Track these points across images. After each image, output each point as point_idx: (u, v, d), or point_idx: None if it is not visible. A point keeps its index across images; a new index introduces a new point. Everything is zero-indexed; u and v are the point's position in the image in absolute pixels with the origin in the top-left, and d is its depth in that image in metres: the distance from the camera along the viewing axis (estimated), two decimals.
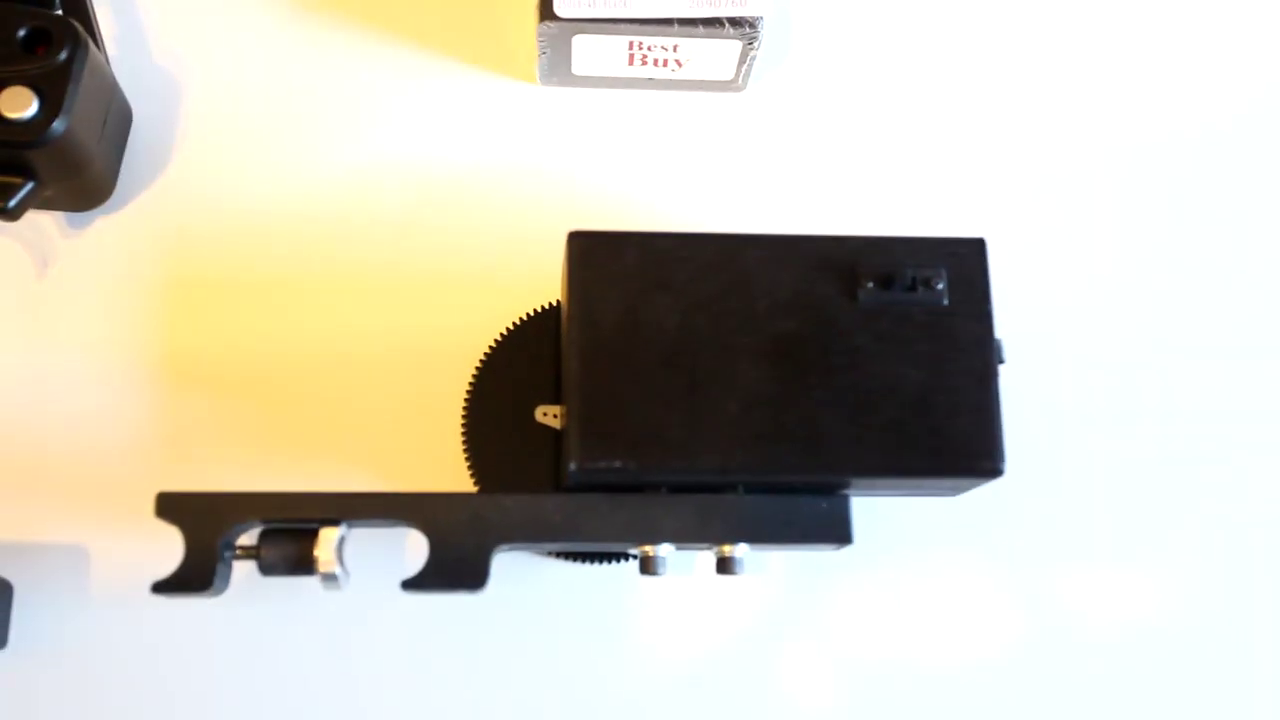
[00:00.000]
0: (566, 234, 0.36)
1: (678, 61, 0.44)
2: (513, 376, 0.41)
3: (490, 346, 0.41)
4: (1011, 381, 0.37)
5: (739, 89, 0.45)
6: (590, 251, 0.36)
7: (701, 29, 0.41)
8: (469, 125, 0.45)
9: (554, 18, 0.41)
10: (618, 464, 0.35)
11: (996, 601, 0.42)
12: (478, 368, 0.41)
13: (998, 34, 0.47)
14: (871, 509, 0.41)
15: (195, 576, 0.34)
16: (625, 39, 0.42)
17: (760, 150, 0.45)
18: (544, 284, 0.41)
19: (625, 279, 0.36)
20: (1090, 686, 0.41)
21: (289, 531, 0.35)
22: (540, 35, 0.42)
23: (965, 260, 0.37)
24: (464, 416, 0.41)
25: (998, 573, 0.42)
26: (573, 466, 0.35)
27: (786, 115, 0.46)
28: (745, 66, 0.44)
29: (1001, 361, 0.37)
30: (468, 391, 0.41)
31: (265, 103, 0.45)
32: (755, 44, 0.42)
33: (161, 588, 0.34)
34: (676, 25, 0.41)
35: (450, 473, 0.41)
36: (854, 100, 0.46)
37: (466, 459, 0.40)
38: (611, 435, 0.35)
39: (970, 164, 0.46)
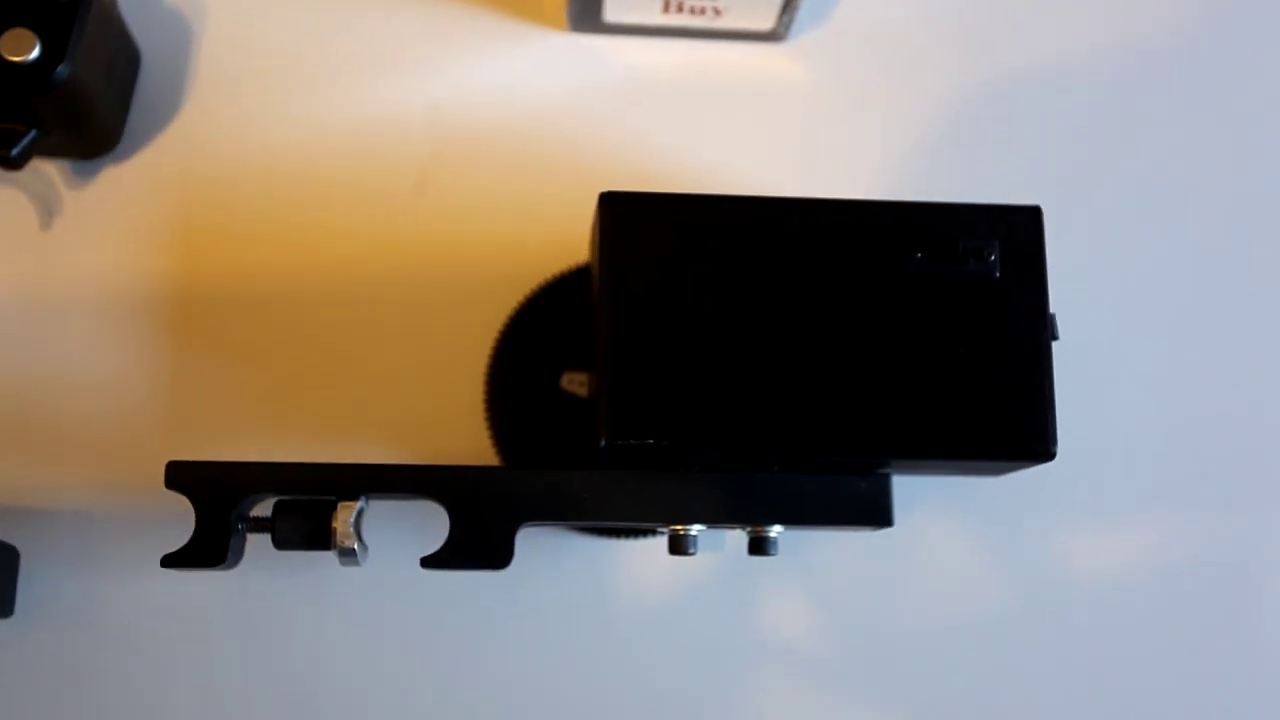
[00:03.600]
0: (598, 195, 0.34)
1: (715, 9, 0.41)
2: (539, 342, 0.39)
3: (515, 309, 0.39)
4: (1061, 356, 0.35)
5: (780, 39, 0.43)
6: (623, 215, 0.34)
7: None
8: (492, 73, 0.43)
9: None
10: (650, 441, 0.33)
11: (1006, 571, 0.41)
12: (502, 332, 0.39)
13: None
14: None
15: (207, 550, 0.33)
16: None
17: (800, 106, 0.43)
18: (572, 243, 0.39)
19: (659, 245, 0.34)
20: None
21: (305, 504, 0.33)
22: None
23: (1019, 230, 0.35)
24: (487, 383, 0.39)
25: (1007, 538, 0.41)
26: (603, 443, 0.33)
27: (829, 69, 0.43)
28: (788, 16, 0.41)
29: (1055, 338, 0.35)
30: (491, 357, 0.39)
31: (281, 46, 0.42)
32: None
33: (171, 561, 0.32)
34: None
35: (473, 441, 0.39)
36: (904, 55, 0.44)
37: (489, 427, 0.39)
38: (643, 410, 0.33)
39: (1028, 125, 0.43)
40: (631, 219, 0.34)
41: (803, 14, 0.42)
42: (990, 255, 0.34)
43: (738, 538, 0.36)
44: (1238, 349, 0.42)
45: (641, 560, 0.40)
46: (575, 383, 0.39)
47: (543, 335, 0.39)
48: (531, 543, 0.38)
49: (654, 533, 0.39)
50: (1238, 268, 0.43)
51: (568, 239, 0.40)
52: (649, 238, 0.34)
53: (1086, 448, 0.40)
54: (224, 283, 0.40)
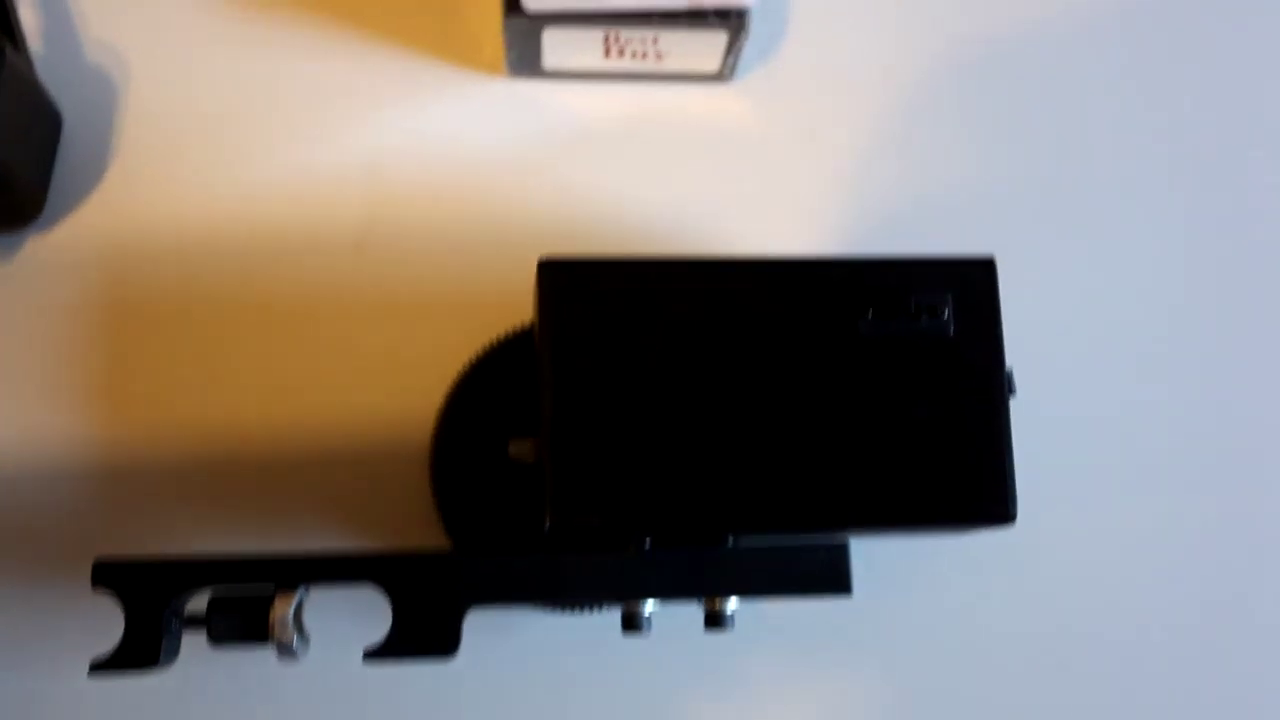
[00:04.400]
0: (536, 262, 0.33)
1: (658, 54, 0.40)
2: (486, 408, 0.38)
3: (460, 374, 0.38)
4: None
5: (726, 79, 0.42)
6: (563, 283, 0.33)
7: (684, 22, 0.38)
8: (431, 124, 0.41)
9: (521, 13, 0.37)
10: (597, 520, 0.32)
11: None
12: (446, 399, 0.38)
13: (1018, 28, 0.44)
14: None
15: (138, 652, 0.31)
16: (600, 32, 0.38)
17: (750, 146, 0.42)
18: (519, 300, 0.38)
19: (602, 313, 0.33)
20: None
21: (240, 597, 0.32)
22: (507, 30, 0.38)
23: (973, 283, 0.34)
24: (432, 453, 0.38)
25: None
26: (549, 524, 0.32)
27: (778, 107, 0.42)
28: (732, 58, 0.40)
29: (1012, 393, 0.34)
30: (436, 425, 0.38)
31: (211, 103, 0.41)
32: (743, 35, 0.39)
33: (101, 667, 0.31)
34: (656, 19, 0.38)
35: (419, 515, 0.38)
36: (854, 91, 0.43)
37: (435, 499, 0.37)
38: (590, 489, 0.32)
39: (980, 167, 0.42)
40: (572, 287, 0.33)
41: (748, 53, 0.41)
42: (943, 312, 0.33)
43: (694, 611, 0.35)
44: (1202, 392, 0.42)
45: (596, 637, 0.39)
46: (524, 450, 0.38)
47: (489, 401, 0.38)
48: (481, 624, 0.37)
49: (607, 608, 0.38)
50: (1194, 312, 0.42)
51: (515, 296, 0.38)
52: (591, 306, 0.33)
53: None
54: (155, 356, 0.39)
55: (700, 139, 0.42)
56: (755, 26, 0.39)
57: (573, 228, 0.41)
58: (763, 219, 0.41)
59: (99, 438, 0.38)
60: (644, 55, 0.40)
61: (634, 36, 0.39)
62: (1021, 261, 0.39)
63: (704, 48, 0.39)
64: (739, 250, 0.41)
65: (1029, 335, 0.37)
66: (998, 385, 0.33)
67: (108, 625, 0.31)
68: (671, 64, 0.40)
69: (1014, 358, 0.34)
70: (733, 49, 0.39)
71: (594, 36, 0.39)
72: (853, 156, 0.42)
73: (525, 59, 0.40)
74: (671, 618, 0.37)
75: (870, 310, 0.33)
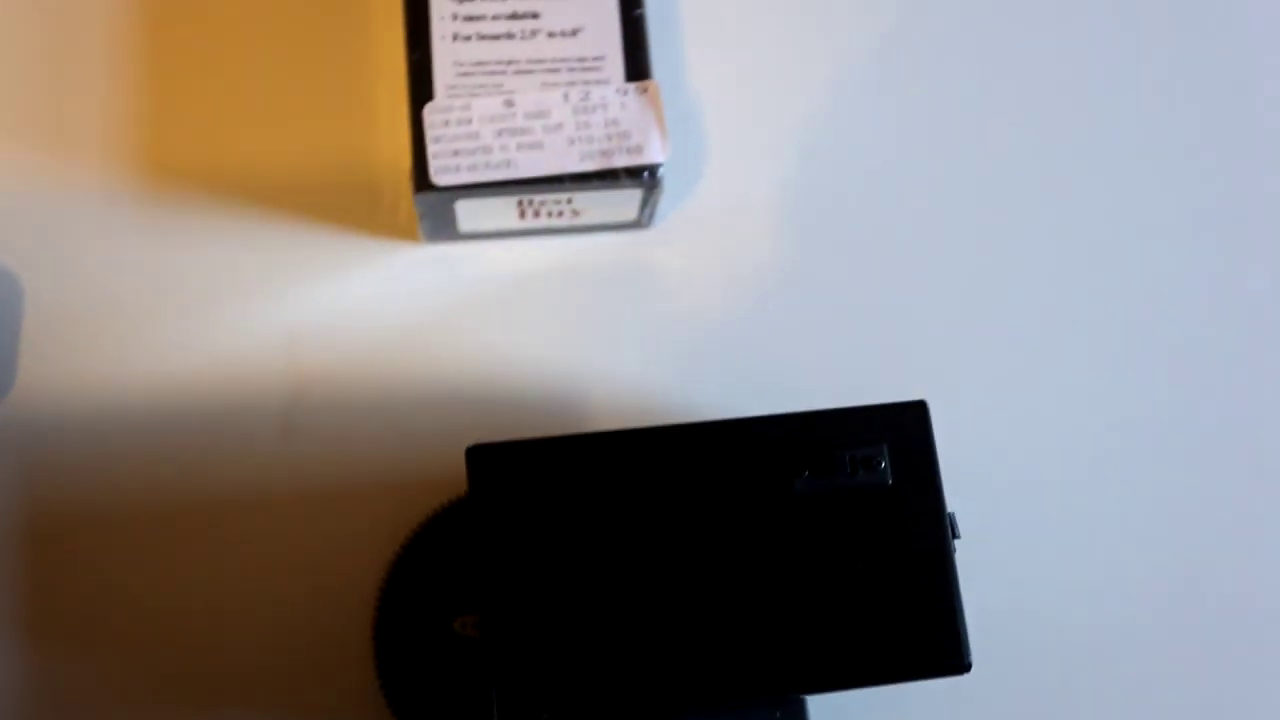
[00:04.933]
0: (465, 450, 0.32)
1: (574, 211, 0.40)
2: (427, 585, 0.37)
3: (397, 552, 0.37)
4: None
5: (644, 226, 0.42)
6: (493, 467, 0.32)
7: (596, 183, 0.38)
8: (352, 296, 0.41)
9: (431, 188, 0.37)
10: (545, 716, 0.31)
11: None
12: (385, 579, 0.37)
13: (934, 163, 0.44)
14: None
15: None
16: (514, 197, 0.38)
17: (673, 291, 0.42)
18: (452, 472, 0.37)
19: (535, 493, 0.32)
20: None
21: None
22: (419, 204, 0.38)
23: (907, 429, 0.34)
24: (374, 634, 0.37)
25: None
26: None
27: (700, 250, 0.42)
28: (649, 208, 0.40)
29: (957, 537, 0.34)
30: (376, 607, 0.37)
31: (116, 288, 0.40)
32: (657, 190, 0.39)
33: None
34: (568, 181, 0.38)
35: (364, 698, 0.37)
36: (772, 227, 0.43)
37: (379, 681, 0.36)
38: (534, 682, 0.31)
39: (907, 304, 0.42)
40: (503, 471, 0.32)
41: (665, 198, 0.41)
42: (880, 463, 0.33)
43: None
44: (1153, 499, 0.42)
45: None
46: (468, 626, 0.37)
47: (430, 577, 0.37)
48: None
49: None
50: (1131, 430, 0.42)
51: (448, 467, 0.38)
52: (524, 488, 0.32)
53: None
54: (74, 571, 0.38)
55: (623, 287, 0.41)
56: (672, 171, 0.39)
57: (503, 389, 0.40)
58: (689, 367, 0.41)
59: (29, 659, 0.37)
60: (560, 214, 0.40)
61: (548, 199, 0.39)
62: (954, 398, 0.39)
63: (620, 202, 0.39)
64: (672, 397, 0.41)
65: (969, 472, 0.37)
66: (940, 531, 0.33)
67: None
68: (589, 218, 0.40)
69: (955, 499, 0.34)
70: (648, 201, 0.39)
71: (507, 203, 0.39)
72: (776, 297, 0.42)
73: (440, 227, 0.40)
74: None
75: (806, 469, 0.33)
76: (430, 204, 0.38)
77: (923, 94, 0.44)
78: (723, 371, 0.41)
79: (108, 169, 0.41)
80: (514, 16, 0.39)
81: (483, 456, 0.32)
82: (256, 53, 0.42)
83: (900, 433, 0.34)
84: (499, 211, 0.39)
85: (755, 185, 0.43)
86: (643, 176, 0.38)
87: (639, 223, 0.41)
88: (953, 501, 0.33)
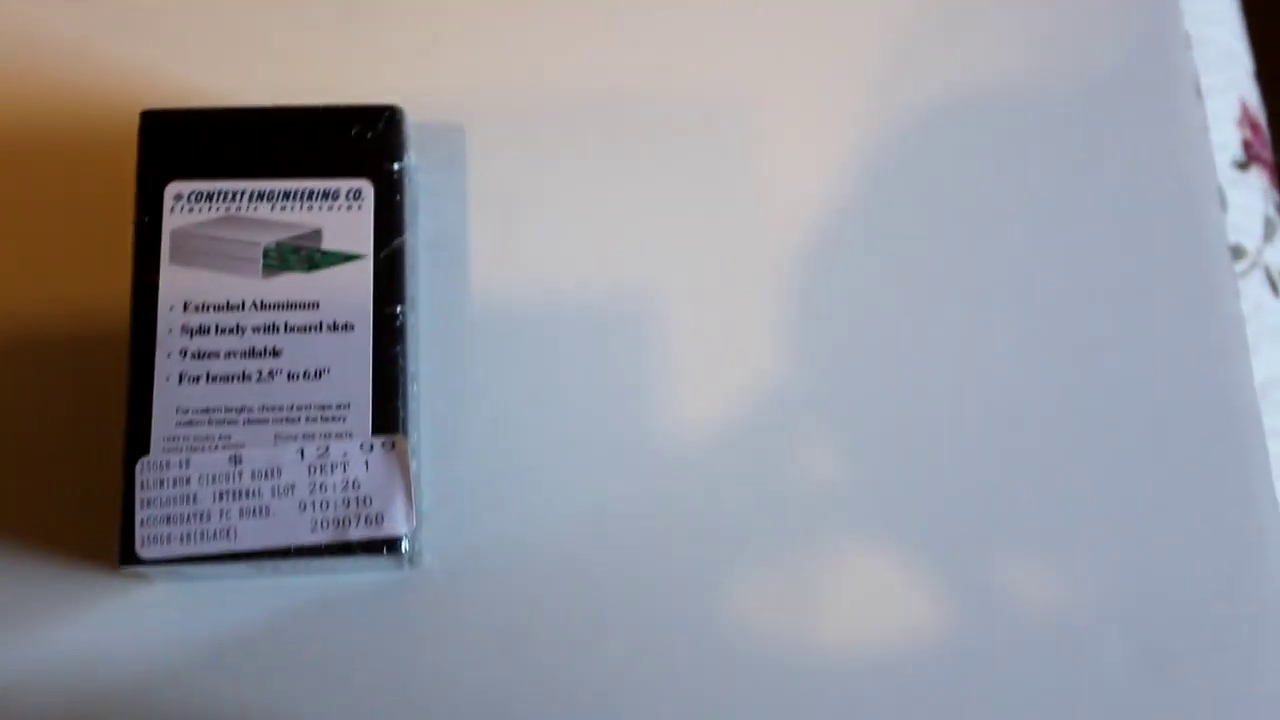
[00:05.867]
0: None
1: (321, 569, 0.35)
2: None
3: None
4: None
5: (411, 568, 0.37)
6: None
7: (329, 558, 0.33)
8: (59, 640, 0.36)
9: (136, 560, 0.32)
10: None
11: None
12: None
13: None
14: None
15: None
16: (243, 564, 0.34)
17: (444, 647, 0.37)
18: None
19: None
20: None
21: None
22: (123, 571, 0.33)
23: None
24: None
25: None
26: None
27: (465, 597, 0.38)
28: (406, 561, 0.36)
29: None
30: None
31: None
32: (406, 556, 0.34)
33: None
34: (296, 557, 0.33)
35: None
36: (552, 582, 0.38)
37: None
38: None
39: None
40: None
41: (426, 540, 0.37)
42: None
43: None
44: None
45: None
46: None
47: None
48: None
49: None
50: None
51: None
52: None
53: None
54: None
55: (385, 638, 0.37)
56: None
57: None
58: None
59: None
60: (303, 571, 0.35)
61: (282, 565, 0.34)
62: None
63: (369, 562, 0.35)
64: None
65: None
66: None
67: None
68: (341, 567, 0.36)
69: None
70: (401, 562, 0.35)
71: (238, 568, 0.34)
72: (547, 648, 0.37)
73: (167, 573, 0.35)
74: None
75: None
76: (138, 577, 0.33)
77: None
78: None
79: None
80: (251, 354, 0.34)
81: None
82: None
83: None
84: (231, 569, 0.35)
85: (526, 525, 0.38)
86: (381, 549, 0.33)
87: (401, 566, 0.37)
88: None
